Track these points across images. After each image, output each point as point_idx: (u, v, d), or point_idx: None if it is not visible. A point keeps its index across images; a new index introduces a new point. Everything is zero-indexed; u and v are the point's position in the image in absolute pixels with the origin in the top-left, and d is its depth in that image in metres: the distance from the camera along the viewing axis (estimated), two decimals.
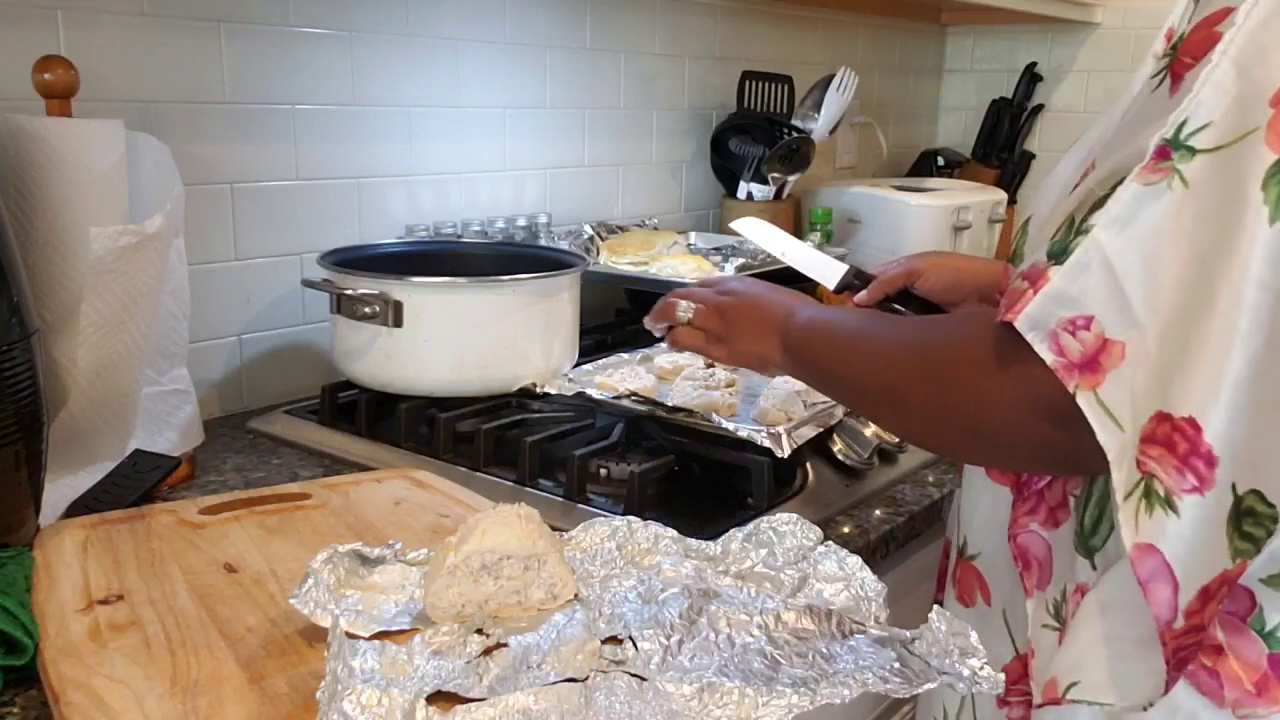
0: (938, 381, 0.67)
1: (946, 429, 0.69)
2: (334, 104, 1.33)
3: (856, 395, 0.80)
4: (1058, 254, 0.57)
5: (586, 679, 0.58)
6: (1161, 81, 0.58)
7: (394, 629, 0.66)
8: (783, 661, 0.61)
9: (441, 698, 0.58)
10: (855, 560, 0.72)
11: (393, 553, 0.72)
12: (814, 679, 0.59)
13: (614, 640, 0.63)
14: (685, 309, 0.94)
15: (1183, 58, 0.56)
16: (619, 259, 1.58)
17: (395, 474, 0.98)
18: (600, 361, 1.28)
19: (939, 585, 0.89)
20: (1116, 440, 0.56)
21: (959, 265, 1.09)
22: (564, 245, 1.47)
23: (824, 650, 0.62)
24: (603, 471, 1.03)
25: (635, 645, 0.62)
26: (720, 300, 0.93)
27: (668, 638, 0.63)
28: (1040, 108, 2.49)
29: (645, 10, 1.78)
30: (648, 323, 0.99)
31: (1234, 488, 0.54)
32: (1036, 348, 0.57)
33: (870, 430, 1.07)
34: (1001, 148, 2.49)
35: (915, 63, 2.55)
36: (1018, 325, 0.57)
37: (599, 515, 0.85)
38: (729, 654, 0.61)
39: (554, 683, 0.58)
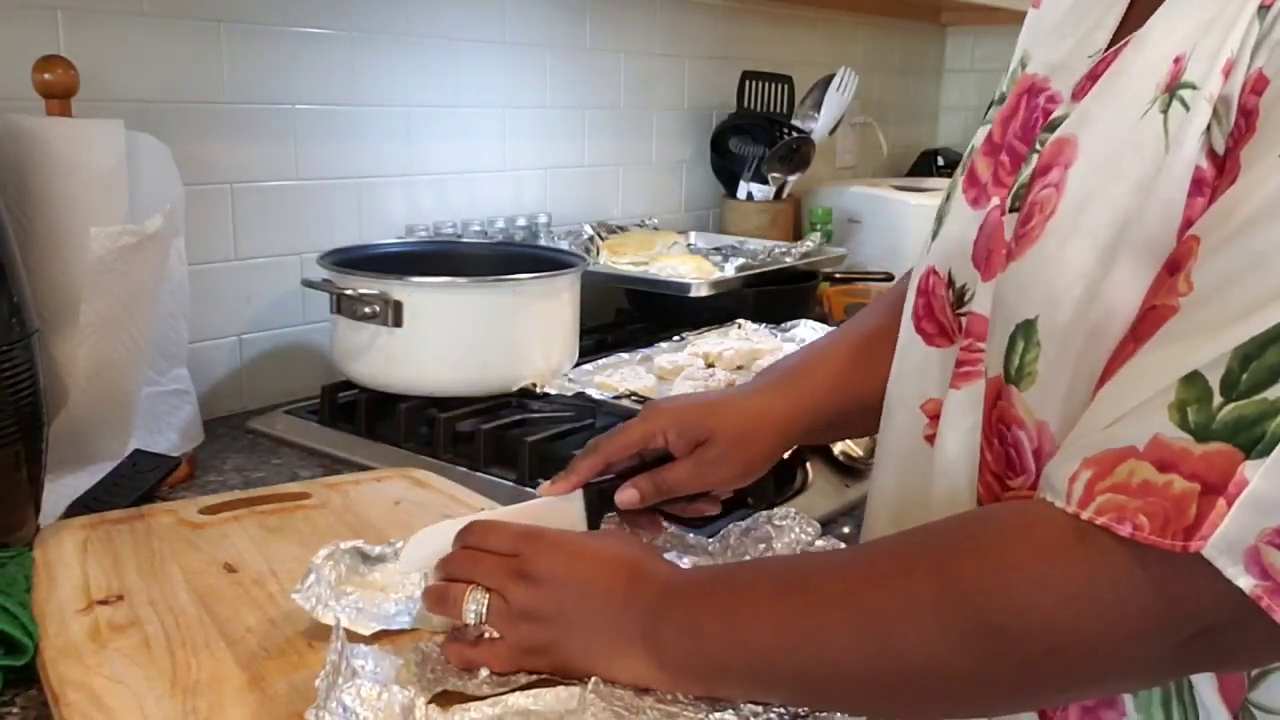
0: (1001, 638, 0.48)
1: (1020, 697, 0.52)
2: (334, 104, 1.33)
3: (840, 685, 0.53)
4: (1226, 435, 0.42)
5: (587, 681, 0.58)
6: (1228, 133, 0.49)
7: (394, 628, 0.66)
8: None
9: (441, 696, 0.58)
10: None
11: (393, 551, 0.72)
12: None
13: None
14: (475, 610, 0.59)
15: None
16: (619, 259, 1.58)
17: (395, 474, 0.98)
18: (600, 361, 1.28)
19: None
20: None
21: (707, 406, 0.76)
22: (564, 245, 1.47)
23: None
24: None
25: None
26: (528, 597, 0.59)
27: None
28: None
29: (645, 10, 1.78)
30: (426, 610, 0.64)
31: None
32: (1228, 573, 0.42)
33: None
34: None
35: (915, 63, 2.55)
36: (1208, 553, 0.42)
37: None
38: None
39: (554, 683, 0.58)
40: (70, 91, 0.92)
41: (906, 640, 0.50)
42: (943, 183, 2.26)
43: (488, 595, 0.59)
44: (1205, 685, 0.55)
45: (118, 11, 1.11)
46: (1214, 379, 0.43)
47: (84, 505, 0.90)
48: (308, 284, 1.19)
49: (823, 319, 1.56)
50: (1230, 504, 0.42)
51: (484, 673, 0.59)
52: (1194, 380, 0.44)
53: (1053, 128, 0.59)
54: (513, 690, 0.57)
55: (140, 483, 0.94)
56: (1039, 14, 0.68)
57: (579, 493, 0.73)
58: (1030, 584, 0.47)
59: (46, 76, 0.91)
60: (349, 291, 1.14)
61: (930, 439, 0.65)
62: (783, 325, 1.47)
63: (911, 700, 0.53)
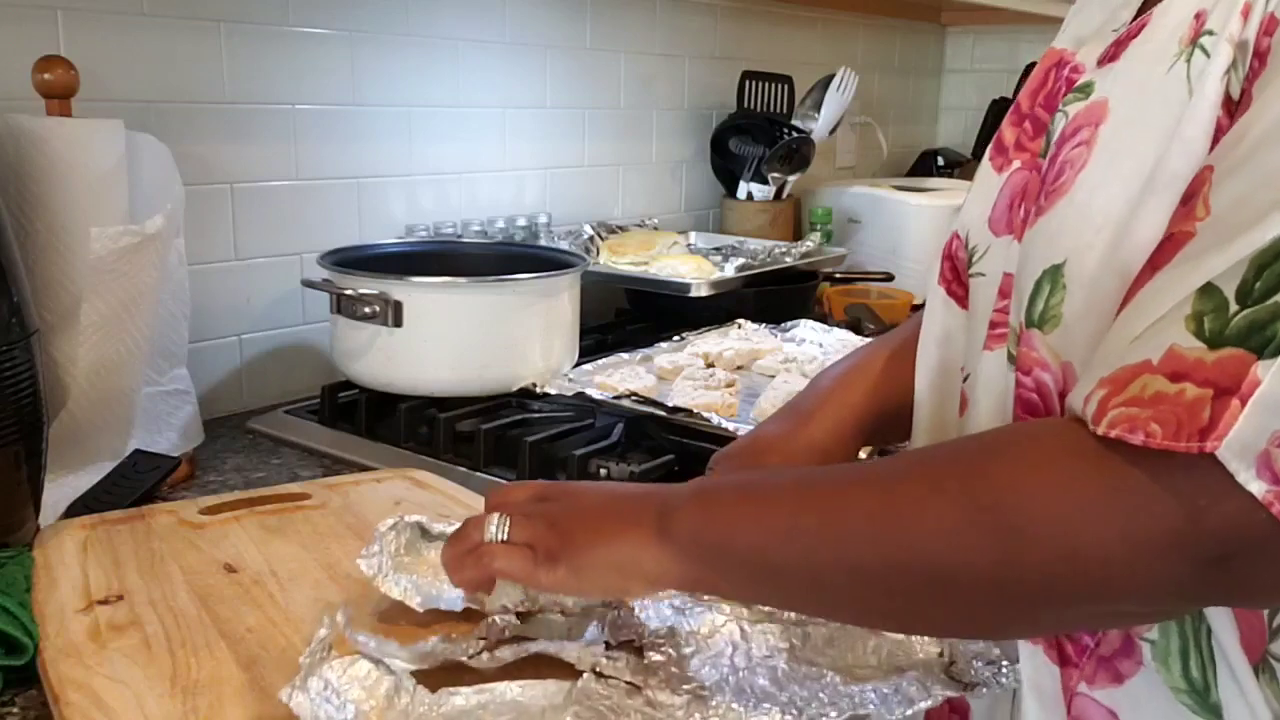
0: (1019, 539, 0.47)
1: (1035, 608, 0.50)
2: (334, 104, 1.33)
3: (848, 577, 0.52)
4: (1238, 340, 0.42)
5: (579, 678, 0.58)
6: (1245, 74, 0.50)
7: (443, 608, 0.65)
8: (792, 683, 0.60)
9: (429, 677, 0.58)
10: None
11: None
12: (807, 699, 0.58)
13: (628, 645, 0.63)
14: (497, 524, 0.60)
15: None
16: (619, 259, 1.58)
17: (395, 474, 0.98)
18: (600, 361, 1.28)
19: None
20: None
21: (774, 452, 0.77)
22: (564, 245, 1.47)
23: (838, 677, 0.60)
24: (603, 471, 1.03)
25: (642, 653, 0.62)
26: (547, 508, 0.61)
27: (676, 649, 0.62)
28: None
29: (645, 10, 1.78)
30: (445, 562, 0.63)
31: None
32: (1240, 477, 0.41)
33: None
34: None
35: (915, 63, 2.55)
36: (1222, 455, 0.42)
37: None
38: (737, 669, 0.61)
39: (545, 676, 0.58)
40: (70, 91, 0.92)
41: (926, 534, 0.49)
42: (943, 183, 2.28)
43: (509, 518, 0.60)
44: (1227, 635, 0.54)
45: (118, 11, 1.11)
46: (1229, 289, 0.43)
47: (84, 505, 0.90)
48: (308, 284, 1.19)
49: (823, 319, 1.56)
50: (1244, 404, 0.41)
51: (479, 644, 0.59)
52: (1210, 291, 0.44)
53: (1080, 92, 0.60)
54: (503, 675, 0.57)
55: (140, 483, 0.94)
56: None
57: None
58: (1052, 487, 0.47)
59: (46, 76, 0.91)
60: (349, 291, 1.14)
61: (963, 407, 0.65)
62: (783, 325, 1.47)
63: (924, 602, 0.51)
